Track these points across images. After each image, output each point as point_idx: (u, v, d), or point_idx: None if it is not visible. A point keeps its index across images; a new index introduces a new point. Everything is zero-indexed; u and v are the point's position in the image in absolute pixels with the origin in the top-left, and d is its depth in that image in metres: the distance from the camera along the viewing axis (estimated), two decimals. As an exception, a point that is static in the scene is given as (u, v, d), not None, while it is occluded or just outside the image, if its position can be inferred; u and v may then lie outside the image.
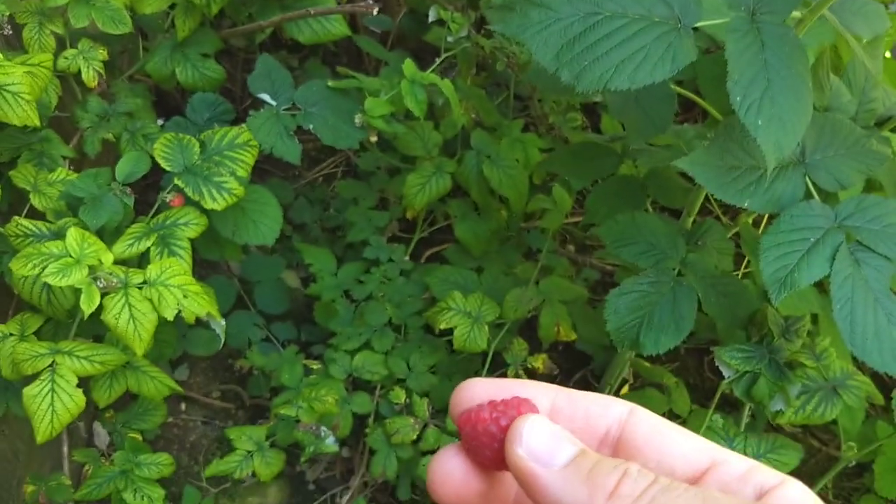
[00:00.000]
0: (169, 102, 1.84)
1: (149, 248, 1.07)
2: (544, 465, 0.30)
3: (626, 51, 0.85)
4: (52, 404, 1.00)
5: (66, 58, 1.29)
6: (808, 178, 0.95)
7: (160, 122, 1.37)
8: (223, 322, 1.04)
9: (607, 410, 0.34)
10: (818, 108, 1.03)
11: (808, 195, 0.94)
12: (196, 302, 1.01)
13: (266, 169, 2.03)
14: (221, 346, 1.13)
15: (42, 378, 1.01)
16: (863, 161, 0.96)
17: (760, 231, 1.23)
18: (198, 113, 1.34)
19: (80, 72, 1.30)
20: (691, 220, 1.14)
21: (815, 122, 0.96)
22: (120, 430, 1.24)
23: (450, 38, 1.50)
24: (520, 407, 0.33)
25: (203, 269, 1.82)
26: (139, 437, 1.25)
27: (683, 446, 0.32)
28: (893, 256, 0.92)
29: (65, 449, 1.25)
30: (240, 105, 1.98)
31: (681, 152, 1.32)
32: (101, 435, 1.23)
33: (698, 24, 0.88)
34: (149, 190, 1.70)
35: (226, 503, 1.71)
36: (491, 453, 0.32)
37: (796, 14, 0.93)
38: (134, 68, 1.46)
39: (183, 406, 1.80)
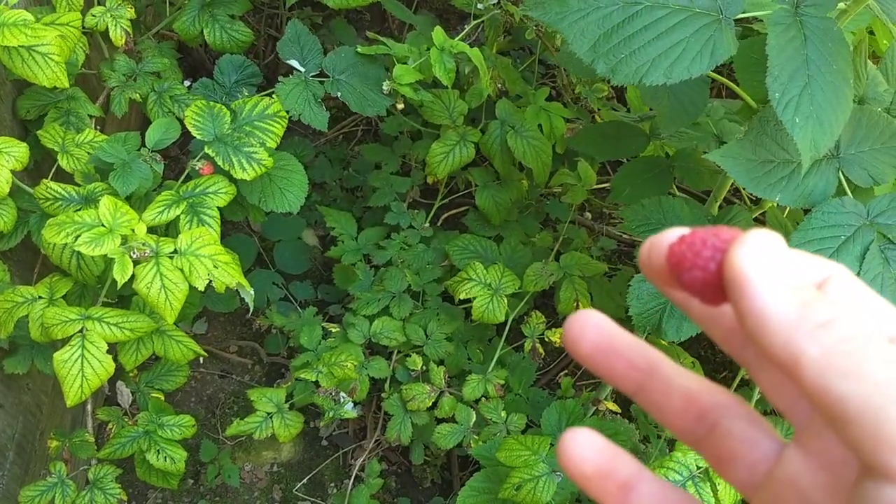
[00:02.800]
0: (193, 58, 1.83)
1: (178, 216, 1.08)
2: (763, 275, 0.27)
3: (663, 44, 0.84)
4: (81, 369, 1.02)
5: (93, 15, 1.28)
6: (841, 173, 0.94)
7: (187, 82, 1.36)
8: (252, 291, 1.06)
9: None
10: (854, 98, 1.02)
11: (841, 191, 0.94)
12: (226, 272, 1.02)
13: (287, 126, 2.03)
14: (250, 312, 1.14)
15: (72, 343, 1.02)
16: (897, 157, 0.95)
17: (785, 214, 1.22)
18: (225, 75, 1.33)
19: (107, 30, 1.29)
20: (717, 205, 1.14)
21: (852, 116, 0.95)
22: (143, 389, 1.26)
23: (480, 5, 1.48)
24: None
25: (224, 227, 1.83)
26: (162, 397, 1.27)
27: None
28: (922, 255, 0.91)
29: (88, 406, 1.27)
30: (262, 60, 1.96)
31: (709, 131, 1.31)
32: (125, 394, 1.26)
33: (740, 16, 0.87)
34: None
35: (241, 456, 1.75)
36: (703, 271, 0.29)
37: (841, 5, 0.92)
38: (160, 25, 1.45)
39: (200, 359, 1.83)
